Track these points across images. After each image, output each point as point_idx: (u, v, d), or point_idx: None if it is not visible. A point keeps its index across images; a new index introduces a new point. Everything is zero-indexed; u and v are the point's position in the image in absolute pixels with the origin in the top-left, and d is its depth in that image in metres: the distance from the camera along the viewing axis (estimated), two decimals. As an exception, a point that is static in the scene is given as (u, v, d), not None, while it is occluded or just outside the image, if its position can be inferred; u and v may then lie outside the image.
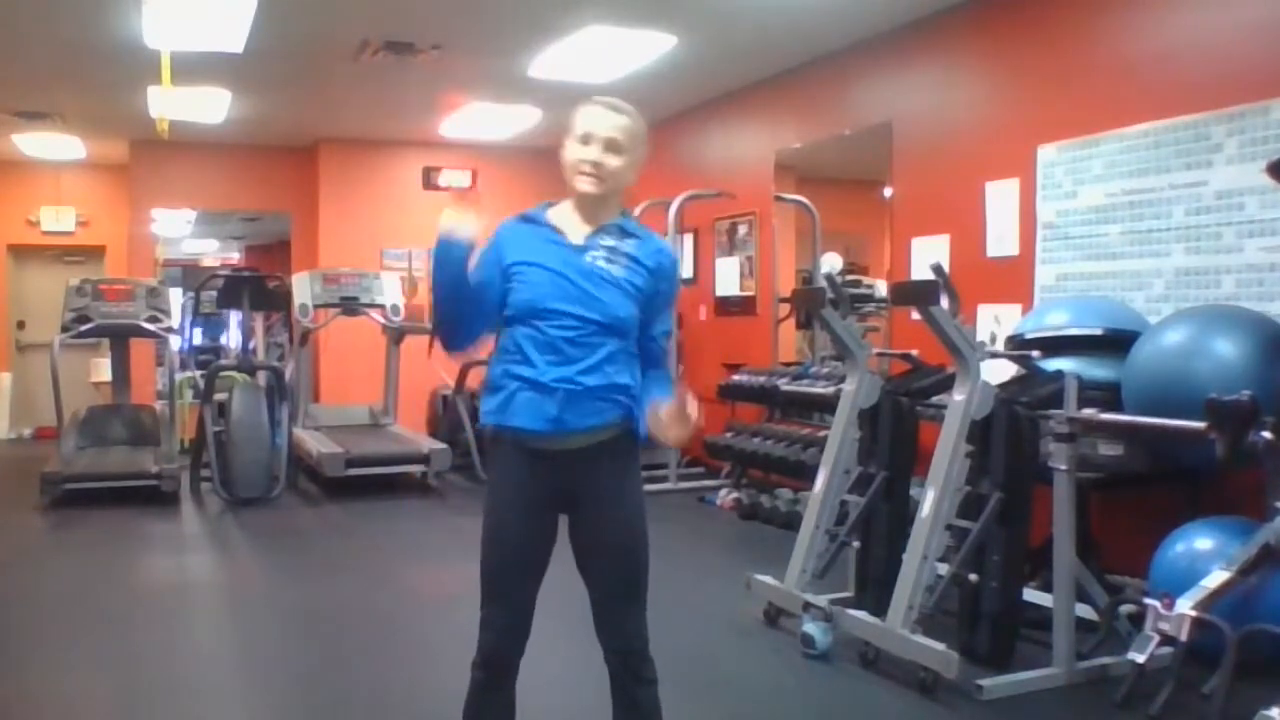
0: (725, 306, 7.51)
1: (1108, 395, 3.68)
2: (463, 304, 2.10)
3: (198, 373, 8.48)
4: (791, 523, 5.18)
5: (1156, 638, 3.05)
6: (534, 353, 2.07)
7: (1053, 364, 3.72)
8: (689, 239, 7.96)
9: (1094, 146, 4.48)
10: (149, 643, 3.93)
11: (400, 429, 7.93)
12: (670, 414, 2.04)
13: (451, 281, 2.07)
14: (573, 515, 2.16)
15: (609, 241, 2.13)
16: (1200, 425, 2.96)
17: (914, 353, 4.28)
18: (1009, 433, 3.44)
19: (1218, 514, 3.55)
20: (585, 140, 2.11)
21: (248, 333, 8.66)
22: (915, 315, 3.89)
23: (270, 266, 9.72)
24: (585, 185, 2.10)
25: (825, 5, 5.33)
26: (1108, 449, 3.78)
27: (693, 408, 2.04)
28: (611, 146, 2.10)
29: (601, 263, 2.10)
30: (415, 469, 7.15)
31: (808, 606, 3.70)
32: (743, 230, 7.31)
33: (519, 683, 2.21)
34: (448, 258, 2.05)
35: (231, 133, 8.69)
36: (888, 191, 5.87)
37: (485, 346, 2.24)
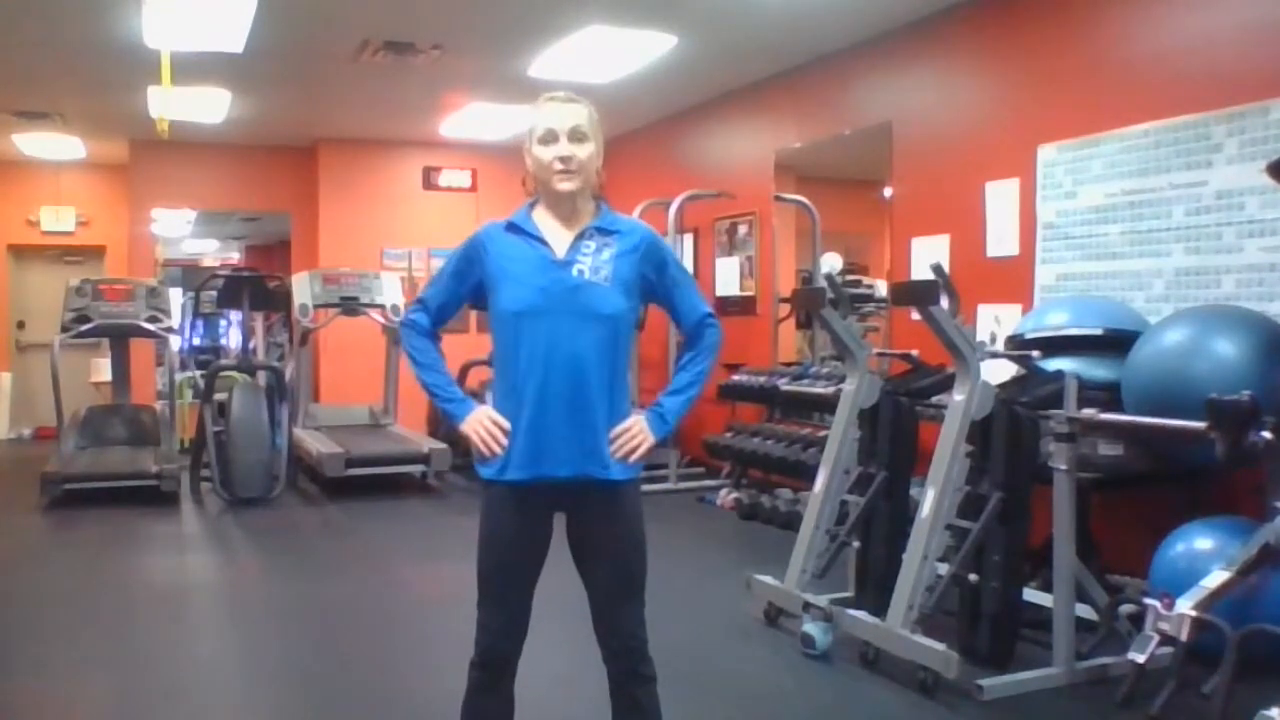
0: (725, 306, 7.49)
1: (1108, 395, 3.68)
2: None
3: (198, 373, 8.48)
4: (791, 523, 5.18)
5: (1156, 638, 3.05)
6: None
7: (1053, 364, 3.72)
8: (689, 239, 7.96)
9: (1094, 146, 4.48)
10: (149, 643, 3.93)
11: (400, 429, 7.93)
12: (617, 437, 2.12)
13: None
14: (570, 515, 2.16)
15: (590, 247, 2.12)
16: (1200, 425, 2.96)
17: (914, 353, 4.27)
18: (1009, 433, 3.44)
19: (1218, 514, 3.54)
20: (550, 138, 2.10)
21: (248, 333, 8.66)
22: (915, 315, 3.89)
23: (270, 266, 9.73)
24: (564, 184, 2.10)
25: (825, 5, 5.33)
26: (1108, 449, 3.78)
27: (638, 442, 2.12)
28: (576, 136, 2.10)
29: (587, 274, 2.09)
30: (415, 469, 7.15)
31: (808, 606, 3.70)
32: (743, 230, 7.31)
33: (518, 682, 2.21)
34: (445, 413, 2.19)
35: (231, 133, 8.70)
36: (888, 191, 5.87)
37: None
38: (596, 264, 2.10)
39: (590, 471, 2.09)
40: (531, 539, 2.14)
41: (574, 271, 2.09)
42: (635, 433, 2.12)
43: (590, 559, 2.16)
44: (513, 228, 2.16)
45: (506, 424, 2.09)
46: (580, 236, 2.13)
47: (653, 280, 2.18)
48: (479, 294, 2.19)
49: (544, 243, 2.13)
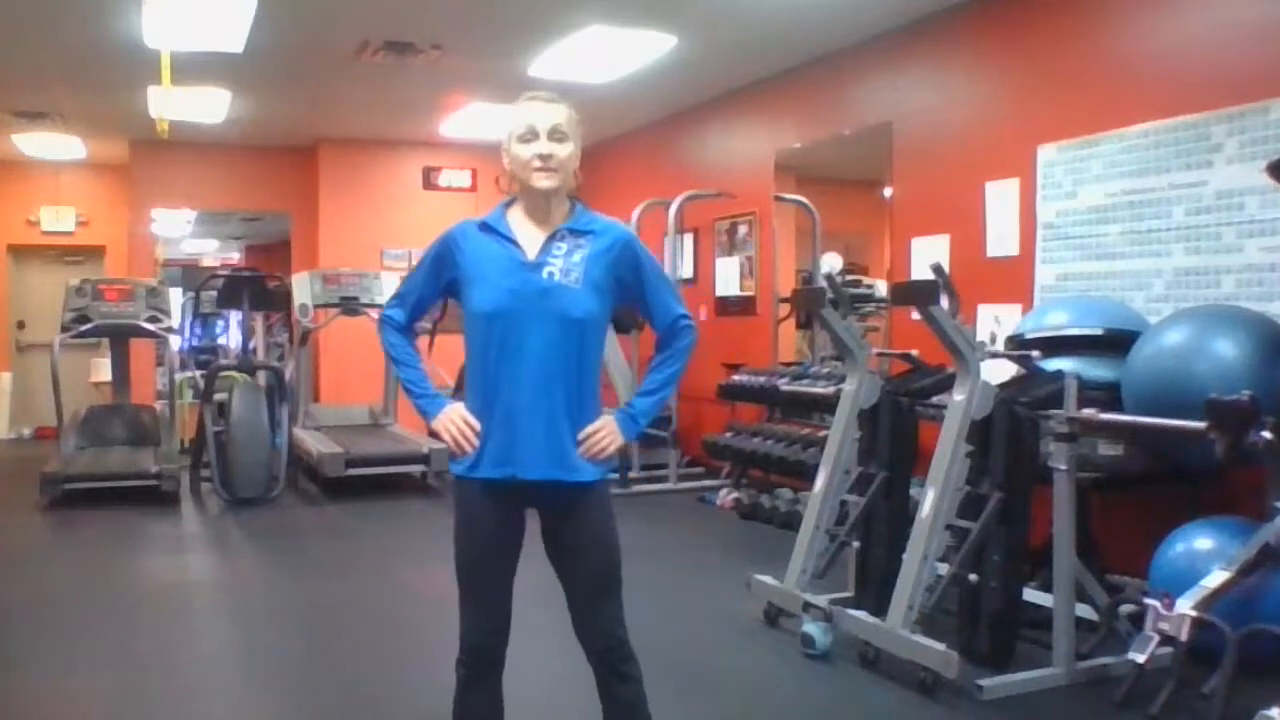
0: (725, 306, 7.50)
1: (1108, 395, 3.68)
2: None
3: (198, 373, 8.48)
4: (791, 523, 5.18)
5: (1156, 638, 3.05)
6: None
7: (1053, 364, 3.72)
8: (689, 239, 7.96)
9: (1094, 146, 4.48)
10: (149, 643, 3.93)
11: (400, 429, 7.94)
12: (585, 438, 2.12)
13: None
14: (542, 514, 2.16)
15: (562, 249, 2.11)
16: (1200, 425, 2.96)
17: (914, 353, 4.28)
18: (1009, 433, 3.44)
19: (1218, 514, 3.54)
20: (530, 135, 2.09)
21: (248, 333, 8.66)
22: (915, 315, 3.89)
23: (270, 266, 9.72)
24: (543, 181, 2.09)
25: (825, 5, 5.33)
26: (1108, 449, 3.79)
27: (607, 443, 2.12)
28: (556, 135, 2.09)
29: (558, 276, 2.08)
30: (415, 469, 7.15)
31: (808, 606, 3.71)
32: (743, 230, 7.31)
33: (509, 680, 2.21)
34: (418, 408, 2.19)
35: (231, 133, 8.70)
36: (888, 191, 5.87)
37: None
38: (567, 266, 2.09)
39: (557, 475, 2.09)
40: (505, 529, 2.15)
41: (544, 274, 2.08)
42: (604, 434, 2.12)
43: (564, 559, 2.17)
44: (485, 227, 2.15)
45: (477, 424, 2.10)
46: (552, 238, 2.12)
47: (627, 282, 2.17)
48: (454, 290, 2.19)
49: (515, 244, 2.11)
